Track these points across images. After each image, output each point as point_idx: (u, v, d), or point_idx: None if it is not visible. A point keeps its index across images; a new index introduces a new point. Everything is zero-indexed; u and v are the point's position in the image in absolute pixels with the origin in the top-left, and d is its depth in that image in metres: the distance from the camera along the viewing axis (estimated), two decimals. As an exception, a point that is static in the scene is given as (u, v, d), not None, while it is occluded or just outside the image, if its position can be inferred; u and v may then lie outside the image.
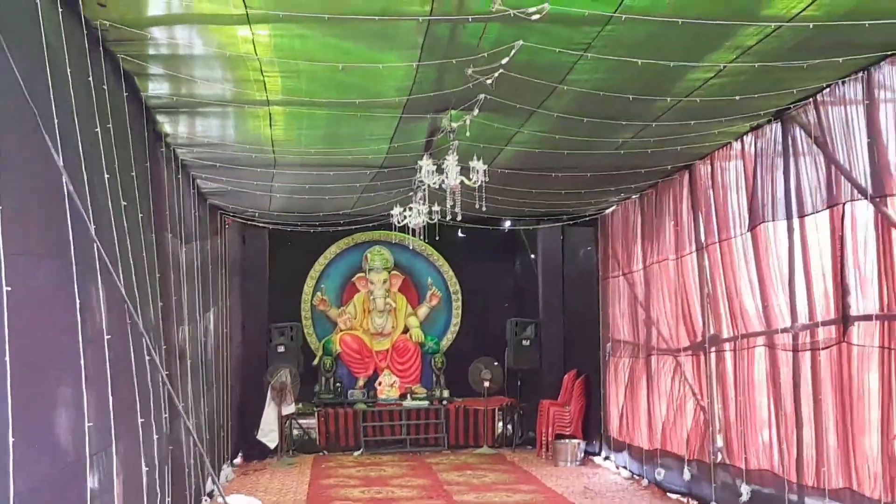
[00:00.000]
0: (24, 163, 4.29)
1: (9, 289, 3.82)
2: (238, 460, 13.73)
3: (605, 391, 13.65)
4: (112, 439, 5.39)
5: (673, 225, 10.92)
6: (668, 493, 10.87)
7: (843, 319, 7.31)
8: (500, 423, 15.47)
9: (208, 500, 9.86)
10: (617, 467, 12.90)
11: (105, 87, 6.00)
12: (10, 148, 4.01)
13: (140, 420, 6.25)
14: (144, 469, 6.29)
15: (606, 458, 13.48)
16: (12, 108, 4.13)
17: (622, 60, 6.40)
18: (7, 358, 3.78)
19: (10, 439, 3.78)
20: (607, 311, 13.62)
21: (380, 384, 16.12)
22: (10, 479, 3.75)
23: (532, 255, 16.21)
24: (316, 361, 16.11)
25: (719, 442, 9.71)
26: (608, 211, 13.44)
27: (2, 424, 3.74)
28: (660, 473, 11.18)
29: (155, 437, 6.68)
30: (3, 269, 3.80)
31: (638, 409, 12.20)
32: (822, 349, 7.60)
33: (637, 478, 12.00)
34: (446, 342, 16.89)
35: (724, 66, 6.73)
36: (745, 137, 8.94)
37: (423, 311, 16.92)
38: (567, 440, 13.75)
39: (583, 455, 13.66)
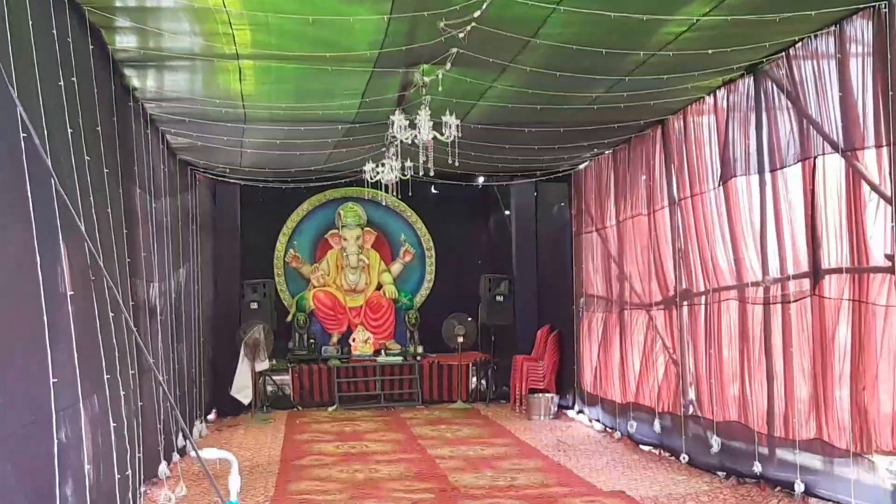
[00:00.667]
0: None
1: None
2: (212, 416, 13.73)
3: (578, 346, 13.73)
4: (79, 395, 5.35)
5: (646, 180, 10.92)
6: (641, 446, 10.98)
7: (815, 273, 7.37)
8: (474, 379, 15.56)
9: (179, 455, 9.87)
10: (590, 420, 13.01)
11: (69, 40, 5.89)
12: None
13: (107, 376, 6.20)
14: (113, 425, 6.26)
15: (580, 411, 13.59)
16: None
17: (595, 14, 6.36)
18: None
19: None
20: (580, 266, 13.66)
21: (353, 340, 16.13)
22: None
23: (506, 212, 16.20)
24: (289, 318, 16.08)
25: (690, 395, 9.81)
26: (581, 167, 13.43)
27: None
28: (632, 426, 11.29)
29: (122, 392, 6.64)
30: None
31: (611, 363, 12.28)
32: (793, 302, 7.67)
33: (610, 430, 12.12)
34: (420, 298, 16.90)
35: (697, 20, 6.71)
36: (717, 92, 8.94)
37: (396, 267, 16.91)
38: (540, 394, 13.84)
39: (556, 409, 13.76)
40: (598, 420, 12.72)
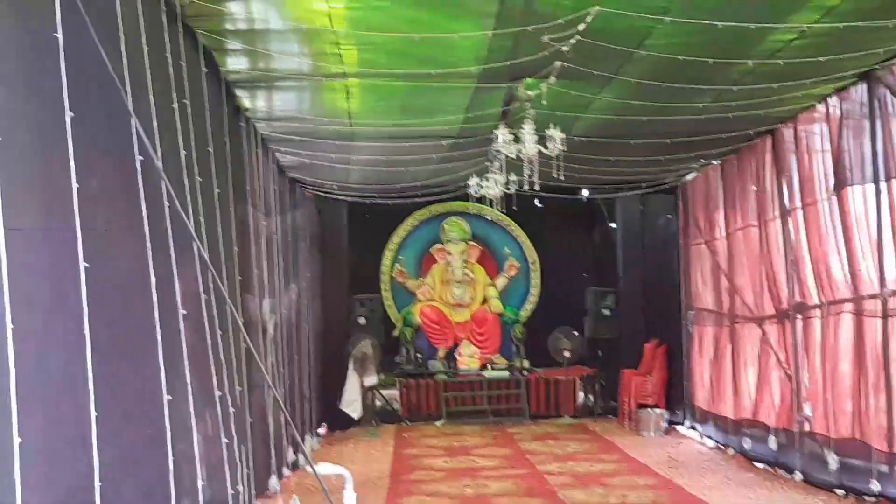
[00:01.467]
0: (103, 140, 4.36)
1: (87, 265, 3.89)
2: (322, 430, 13.92)
3: (687, 360, 13.49)
4: (191, 412, 5.48)
5: (756, 191, 10.69)
6: (755, 463, 10.72)
7: (936, 284, 7.10)
8: (581, 393, 15.41)
9: (289, 469, 10.01)
10: (701, 437, 12.76)
11: (182, 63, 6.07)
12: (90, 127, 4.07)
13: (218, 393, 6.33)
14: (224, 441, 6.39)
15: (691, 427, 13.34)
16: (95, 87, 4.20)
17: (702, 23, 6.26)
18: (87, 331, 3.87)
19: (93, 413, 3.87)
20: (689, 279, 13.44)
21: (460, 355, 16.16)
22: (94, 452, 3.84)
23: (611, 224, 16.05)
24: (396, 332, 16.21)
25: (806, 411, 9.53)
26: (689, 178, 13.22)
27: (84, 398, 3.84)
28: (746, 443, 11.03)
29: (231, 410, 6.77)
30: (81, 246, 3.88)
31: (722, 378, 12.03)
32: (914, 315, 7.40)
33: (722, 447, 11.86)
34: (525, 312, 16.84)
35: (808, 27, 6.55)
36: (829, 99, 8.71)
37: (501, 281, 16.89)
38: (650, 410, 13.63)
39: (666, 425, 13.54)
40: (709, 436, 12.47)
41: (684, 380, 13.58)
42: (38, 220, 3.59)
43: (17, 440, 3.15)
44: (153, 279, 4.87)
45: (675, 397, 13.92)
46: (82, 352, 3.84)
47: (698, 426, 13.03)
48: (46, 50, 3.82)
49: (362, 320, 15.13)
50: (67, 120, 3.88)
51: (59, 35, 3.87)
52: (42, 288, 3.60)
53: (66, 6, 3.90)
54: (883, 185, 7.81)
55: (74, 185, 3.87)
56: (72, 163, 3.87)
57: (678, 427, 13.66)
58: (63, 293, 3.80)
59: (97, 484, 3.85)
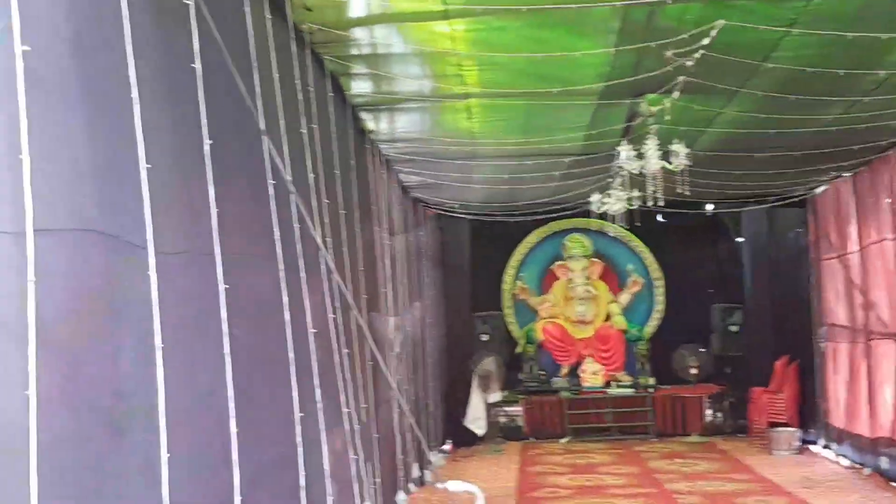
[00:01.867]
0: (238, 165, 4.53)
1: (227, 286, 4.05)
2: (447, 447, 14.01)
3: (820, 377, 13.10)
4: (321, 428, 5.59)
5: (890, 203, 10.34)
6: (892, 483, 10.34)
7: None
8: (709, 411, 15.10)
9: (416, 485, 10.09)
10: (836, 456, 12.37)
11: (311, 88, 6.25)
12: (225, 153, 4.24)
13: (346, 410, 6.44)
14: (352, 457, 6.50)
15: (825, 446, 12.94)
16: (229, 115, 4.38)
17: (830, 34, 6.12)
18: (226, 350, 4.02)
19: (234, 430, 4.01)
20: (821, 294, 13.07)
21: (583, 372, 16.03)
22: (236, 467, 3.98)
23: (737, 239, 15.73)
24: (519, 349, 16.21)
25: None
26: (819, 191, 12.88)
27: (225, 415, 3.98)
28: (883, 462, 10.65)
29: (358, 426, 6.88)
30: (220, 269, 4.04)
31: (858, 395, 11.64)
32: None
33: (858, 467, 11.47)
34: (649, 329, 16.61)
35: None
36: (968, 106, 8.38)
37: (624, 297, 16.70)
38: (782, 428, 13.28)
39: (799, 444, 13.15)
40: (844, 456, 12.07)
41: (817, 397, 13.20)
42: (182, 245, 3.75)
43: (165, 455, 3.29)
44: (285, 299, 5.02)
45: (808, 415, 13.54)
46: (223, 370, 3.99)
47: (833, 445, 12.63)
48: (186, 80, 4.00)
49: (485, 337, 15.21)
50: (206, 147, 4.05)
51: (198, 65, 4.04)
52: (187, 309, 3.76)
53: (204, 38, 4.08)
54: None
55: (214, 210, 4.03)
56: (210, 189, 4.04)
57: (811, 446, 13.26)
58: (205, 314, 3.96)
59: (238, 499, 3.98)
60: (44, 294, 2.69)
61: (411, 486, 9.96)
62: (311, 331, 5.54)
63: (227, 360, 4.02)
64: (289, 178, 5.14)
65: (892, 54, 6.76)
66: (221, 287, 4.03)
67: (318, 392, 5.57)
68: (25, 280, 2.67)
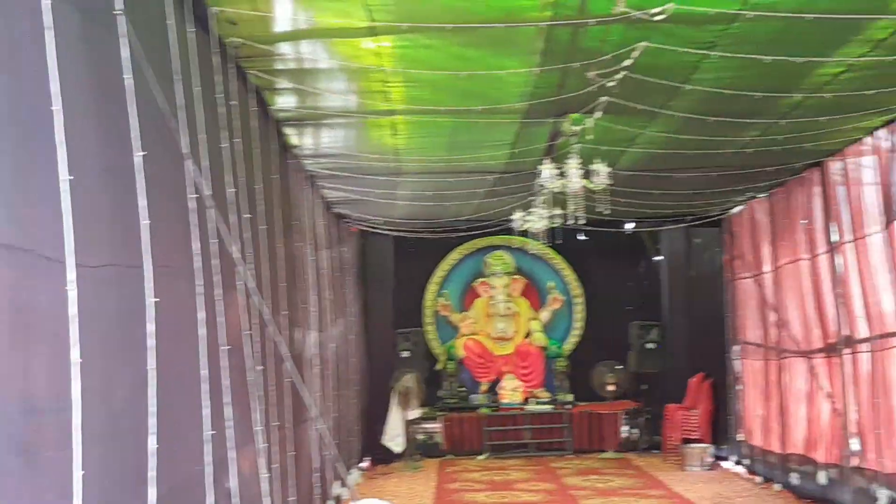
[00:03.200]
0: (161, 178, 4.45)
1: (156, 300, 3.98)
2: (365, 464, 13.93)
3: (733, 394, 13.37)
4: (230, 447, 5.49)
5: (804, 224, 10.62)
6: (802, 499, 10.57)
7: None
8: (625, 428, 15.29)
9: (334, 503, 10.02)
10: (748, 472, 12.61)
11: (234, 102, 6.17)
12: (149, 166, 4.17)
13: (257, 428, 6.33)
14: (265, 475, 6.39)
15: (737, 463, 13.19)
16: (149, 127, 4.30)
17: (748, 58, 6.27)
18: (151, 366, 3.94)
19: (154, 446, 3.93)
20: (735, 313, 13.34)
21: (503, 388, 16.11)
22: (153, 486, 3.90)
23: (656, 258, 15.99)
24: (439, 366, 16.22)
25: (855, 445, 9.40)
26: (735, 211, 13.16)
27: (143, 433, 3.90)
28: (793, 478, 10.89)
29: (274, 444, 6.78)
30: (151, 282, 3.96)
31: (770, 412, 11.90)
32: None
33: (769, 483, 11.71)
34: (569, 346, 16.78)
35: (855, 61, 6.53)
36: (877, 132, 8.65)
37: (544, 314, 16.85)
38: (695, 444, 13.50)
39: (712, 460, 13.39)
40: (756, 472, 12.31)
41: (730, 414, 13.45)
42: (106, 258, 3.67)
43: (79, 473, 3.20)
44: (201, 314, 4.94)
45: (721, 432, 13.79)
46: (143, 386, 3.90)
47: (745, 461, 12.88)
48: (113, 92, 3.92)
49: (406, 354, 15.18)
50: (137, 159, 3.98)
51: (129, 77, 3.97)
52: (108, 324, 3.68)
53: (132, 50, 4.01)
54: (933, 218, 7.74)
55: (144, 222, 3.96)
56: (141, 200, 3.97)
57: (724, 462, 13.51)
58: (126, 329, 3.88)
59: (153, 518, 3.90)
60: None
61: (331, 504, 9.88)
62: (223, 347, 5.45)
63: (152, 375, 3.93)
64: (208, 192, 5.07)
65: (808, 78, 6.95)
66: (150, 301, 3.96)
67: (228, 410, 5.48)
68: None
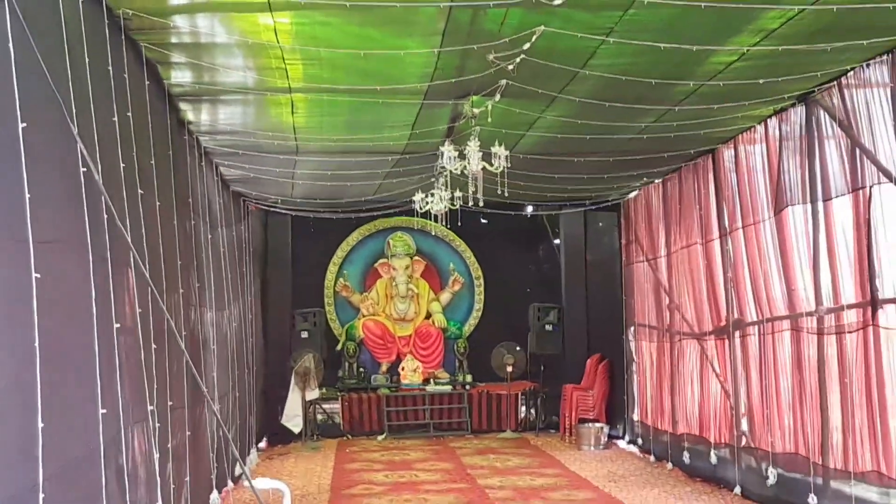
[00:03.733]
0: (47, 151, 4.32)
1: (38, 276, 3.86)
2: (263, 445, 13.82)
3: (628, 375, 13.65)
4: (123, 426, 5.39)
5: (697, 210, 10.86)
6: (694, 477, 10.86)
7: (872, 302, 7.26)
8: (524, 408, 15.48)
9: (233, 484, 9.92)
10: (641, 451, 12.90)
11: (126, 76, 6.02)
12: (35, 138, 4.04)
13: (150, 407, 6.22)
14: (156, 456, 6.30)
15: (630, 442, 13.48)
16: (36, 98, 4.17)
17: (644, 45, 6.37)
18: (37, 343, 3.84)
19: (40, 424, 3.83)
20: (631, 296, 13.60)
21: (403, 369, 16.15)
22: (40, 464, 3.81)
23: (555, 241, 16.19)
24: (339, 347, 16.17)
25: (744, 426, 9.69)
26: (631, 196, 13.40)
27: (32, 409, 3.80)
28: (685, 457, 11.17)
29: (169, 423, 6.68)
30: (33, 257, 3.85)
31: (662, 393, 12.18)
32: (849, 332, 7.56)
33: (662, 462, 12.00)
34: (469, 327, 16.90)
35: (747, 50, 6.69)
36: (768, 121, 8.89)
37: (445, 296, 16.94)
38: (590, 424, 13.75)
39: (606, 439, 13.66)
40: (649, 451, 12.60)
41: (625, 395, 13.73)
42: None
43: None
44: (93, 292, 4.82)
45: (616, 412, 14.07)
46: (32, 362, 3.80)
47: (638, 441, 13.17)
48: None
49: (305, 334, 15.09)
50: (20, 130, 3.85)
51: (11, 46, 3.84)
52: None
53: (14, 19, 3.87)
54: (820, 205, 7.98)
55: (27, 195, 3.84)
56: (24, 173, 3.84)
57: (618, 441, 13.80)
58: (13, 303, 3.76)
59: (41, 496, 3.80)
60: None
61: (229, 484, 9.76)
62: (115, 325, 5.33)
63: (38, 352, 3.83)
64: (97, 167, 4.93)
65: (702, 66, 7.09)
66: (33, 276, 3.85)
67: (120, 388, 5.37)
68: None
